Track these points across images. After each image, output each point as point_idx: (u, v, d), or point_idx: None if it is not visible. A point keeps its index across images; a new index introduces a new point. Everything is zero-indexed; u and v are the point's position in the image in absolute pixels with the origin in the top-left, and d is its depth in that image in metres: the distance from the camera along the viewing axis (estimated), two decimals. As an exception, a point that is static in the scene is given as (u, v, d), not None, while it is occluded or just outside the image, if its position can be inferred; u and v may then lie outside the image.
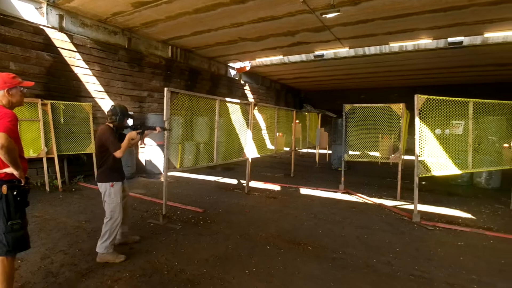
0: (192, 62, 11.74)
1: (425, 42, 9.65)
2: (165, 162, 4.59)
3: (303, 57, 12.32)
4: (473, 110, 5.47)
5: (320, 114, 12.62)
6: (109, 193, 3.41)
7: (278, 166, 11.47)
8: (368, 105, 6.95)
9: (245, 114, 6.80)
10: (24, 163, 2.48)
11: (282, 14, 7.58)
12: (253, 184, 7.79)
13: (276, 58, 12.82)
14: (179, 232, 4.37)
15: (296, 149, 10.05)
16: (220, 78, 13.52)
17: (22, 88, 2.56)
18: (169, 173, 4.84)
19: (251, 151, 6.98)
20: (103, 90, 8.49)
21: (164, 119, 4.50)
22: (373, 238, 4.40)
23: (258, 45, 10.49)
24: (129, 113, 3.62)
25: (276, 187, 7.60)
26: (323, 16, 7.02)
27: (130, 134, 3.41)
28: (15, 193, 2.38)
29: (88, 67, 8.05)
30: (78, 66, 7.84)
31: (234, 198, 6.46)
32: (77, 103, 7.45)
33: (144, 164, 9.37)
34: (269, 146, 9.23)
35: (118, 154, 3.35)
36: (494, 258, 3.80)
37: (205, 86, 12.57)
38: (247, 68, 13.84)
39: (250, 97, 15.84)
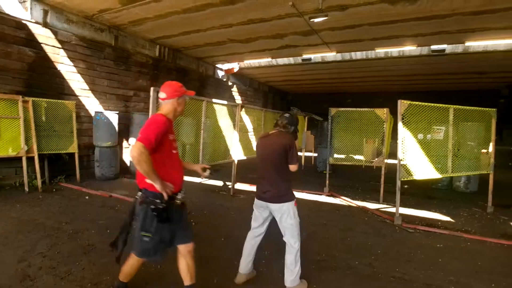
0: (180, 62, 11.64)
1: (409, 49, 9.89)
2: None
3: (291, 60, 12.41)
4: (453, 116, 5.64)
5: (306, 117, 12.73)
6: (294, 213, 2.98)
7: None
8: (353, 109, 7.07)
9: (232, 115, 6.80)
10: (175, 175, 2.43)
11: (272, 16, 7.61)
12: (239, 186, 7.79)
13: (264, 61, 12.86)
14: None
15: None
16: (208, 79, 13.47)
17: (186, 97, 2.57)
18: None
19: (237, 153, 6.98)
20: (88, 88, 8.32)
21: (150, 119, 4.44)
22: (356, 240, 4.47)
23: (246, 47, 10.50)
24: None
25: (262, 189, 7.62)
26: (312, 20, 7.10)
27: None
28: (151, 207, 2.30)
29: (72, 64, 7.88)
30: (62, 63, 7.66)
31: (219, 200, 6.44)
32: (60, 101, 7.27)
33: (128, 164, 9.23)
34: (256, 148, 9.24)
35: (295, 168, 2.99)
36: (470, 260, 3.93)
37: (193, 87, 12.48)
38: (235, 70, 13.83)
39: (238, 99, 15.84)
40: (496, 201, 6.42)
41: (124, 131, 8.96)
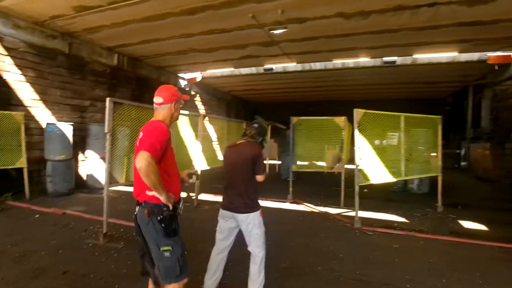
0: (141, 71, 11.33)
1: (364, 60, 10.48)
2: (107, 176, 4.33)
3: (253, 70, 12.59)
4: (404, 123, 6.04)
5: (270, 126, 12.93)
6: (260, 222, 2.98)
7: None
8: (314, 118, 7.31)
9: (195, 125, 6.72)
10: (176, 185, 2.32)
11: (233, 27, 7.71)
12: (203, 197, 7.67)
13: (227, 70, 12.92)
14: (121, 252, 4.13)
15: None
16: (170, 88, 13.21)
17: (182, 101, 2.42)
18: (114, 188, 4.58)
19: (200, 163, 6.89)
20: (38, 98, 7.80)
21: (106, 131, 4.26)
22: (319, 246, 4.58)
23: (209, 57, 10.50)
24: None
25: (227, 199, 7.56)
26: (271, 32, 7.29)
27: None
28: (158, 218, 2.16)
29: (20, 73, 7.35)
30: (9, 71, 7.12)
31: (183, 211, 6.27)
32: (7, 112, 6.74)
33: (85, 178, 8.72)
34: (220, 157, 9.19)
35: (262, 178, 2.98)
36: (424, 258, 4.18)
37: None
38: (198, 79, 13.72)
39: (201, 108, 15.70)
40: (445, 201, 6.92)
41: (80, 143, 8.48)
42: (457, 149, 14.26)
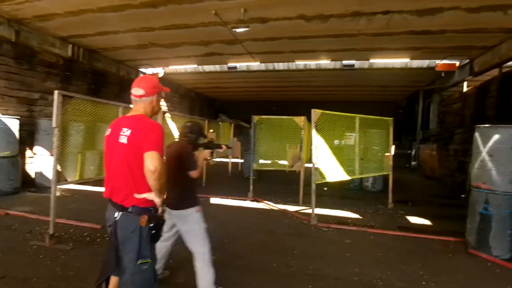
0: (98, 64, 10.76)
1: (324, 62, 10.84)
2: (54, 173, 4.07)
3: (217, 67, 12.52)
4: (359, 124, 6.35)
5: (233, 124, 12.94)
6: (197, 219, 2.96)
7: (191, 175, 11.26)
8: (274, 117, 7.44)
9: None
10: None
11: (196, 23, 7.59)
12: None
13: (190, 67, 12.71)
14: (69, 253, 3.91)
15: (210, 158, 10.04)
16: (130, 83, 12.55)
17: (163, 94, 2.22)
18: (66, 186, 4.32)
19: (160, 161, 6.72)
20: (-22, 89, 7.14)
21: (54, 125, 4.00)
22: (276, 242, 4.68)
23: (171, 52, 10.25)
24: (204, 133, 3.29)
25: (187, 197, 7.46)
26: (234, 30, 7.29)
27: (205, 154, 3.13)
28: (151, 225, 1.96)
29: (-43, 61, 6.68)
30: None
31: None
32: None
33: (33, 176, 8.12)
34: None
35: (195, 174, 2.96)
36: (372, 252, 4.43)
37: (113, 91, 11.65)
38: (160, 75, 13.34)
39: (163, 105, 15.29)
40: (396, 198, 7.37)
41: (28, 139, 7.88)
42: (409, 149, 15.24)
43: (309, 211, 6.44)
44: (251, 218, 5.95)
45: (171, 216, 3.03)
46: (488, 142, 4.40)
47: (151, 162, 1.85)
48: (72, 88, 9.69)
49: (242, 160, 12.17)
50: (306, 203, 7.18)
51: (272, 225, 5.55)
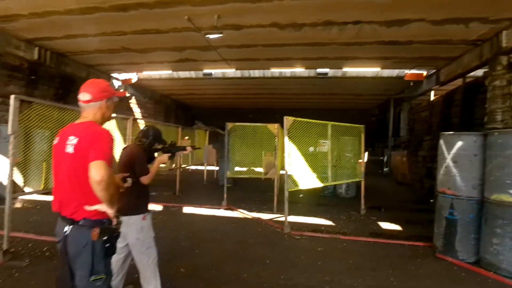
0: (66, 68, 10.34)
1: (299, 70, 10.99)
2: (9, 183, 3.78)
3: (192, 74, 12.39)
4: (332, 131, 6.41)
5: (208, 131, 12.79)
6: (142, 227, 2.79)
7: (165, 184, 10.92)
8: (248, 124, 7.40)
9: (123, 129, 6.32)
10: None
11: (168, 28, 7.48)
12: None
13: (165, 73, 12.50)
14: (24, 270, 3.62)
15: (185, 166, 9.86)
16: (101, 88, 12.30)
17: (116, 99, 2.09)
18: (28, 197, 4.03)
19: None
20: None
21: (9, 132, 3.73)
22: (248, 252, 4.58)
23: (144, 57, 10.04)
24: (162, 138, 3.13)
25: (158, 207, 7.22)
26: (207, 36, 7.23)
27: (162, 158, 3.02)
28: (104, 238, 1.82)
29: None
30: None
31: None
32: None
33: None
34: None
35: (146, 180, 2.79)
36: (344, 259, 4.42)
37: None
38: (133, 81, 13.03)
39: (137, 111, 14.92)
40: (369, 204, 7.49)
41: (-15, 147, 7.38)
42: (381, 156, 15.66)
43: (283, 219, 6.40)
44: (223, 227, 5.82)
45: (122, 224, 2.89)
46: (452, 149, 4.55)
47: (97, 172, 1.72)
48: (37, 93, 9.24)
49: (218, 168, 12.01)
50: (281, 210, 7.11)
51: (244, 234, 5.44)
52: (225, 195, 7.41)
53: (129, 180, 2.47)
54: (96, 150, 1.78)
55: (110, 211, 1.86)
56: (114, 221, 1.95)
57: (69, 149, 1.86)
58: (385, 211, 7.65)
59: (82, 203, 1.84)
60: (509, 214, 3.94)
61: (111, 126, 6.09)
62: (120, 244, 2.89)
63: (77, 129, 1.93)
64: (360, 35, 7.34)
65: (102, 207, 1.84)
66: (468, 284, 3.79)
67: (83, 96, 1.99)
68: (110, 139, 1.88)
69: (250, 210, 7.16)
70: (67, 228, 1.88)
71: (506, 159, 4.00)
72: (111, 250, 1.91)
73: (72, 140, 1.86)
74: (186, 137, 10.69)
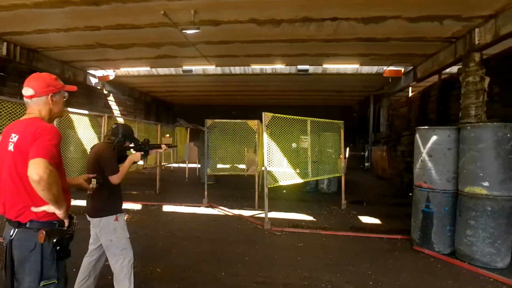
0: (38, 64, 9.90)
1: (280, 67, 10.96)
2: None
3: (172, 70, 12.15)
4: (311, 127, 6.42)
5: (189, 129, 12.61)
6: (115, 228, 2.69)
7: (146, 182, 10.72)
8: (227, 120, 7.32)
9: (98, 127, 6.12)
10: (67, 196, 1.85)
11: (144, 24, 7.27)
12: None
13: (143, 69, 12.20)
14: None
15: (166, 164, 9.68)
16: (77, 86, 11.77)
17: (65, 94, 1.97)
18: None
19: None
20: None
21: (-31, 132, 3.51)
22: (227, 250, 4.51)
23: (121, 54, 9.75)
24: (133, 136, 3.00)
25: (137, 206, 7.05)
26: (184, 31, 7.08)
27: (134, 157, 2.86)
28: (54, 240, 1.71)
29: None
30: None
31: (83, 223, 5.60)
32: None
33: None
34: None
35: (115, 179, 2.66)
36: (323, 255, 4.43)
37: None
38: (111, 77, 12.65)
39: (116, 109, 14.53)
40: (349, 198, 7.58)
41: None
42: (362, 151, 15.90)
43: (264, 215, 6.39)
44: (203, 225, 5.73)
45: (94, 226, 2.78)
46: (427, 143, 4.63)
47: (35, 170, 1.60)
48: (6, 90, 8.83)
49: (199, 165, 11.87)
50: (262, 207, 7.07)
51: (224, 232, 5.38)
52: (205, 193, 7.31)
53: (94, 181, 2.36)
54: (36, 148, 1.66)
55: (58, 212, 1.74)
56: (66, 222, 1.83)
57: (10, 147, 1.74)
58: (366, 205, 7.75)
59: (28, 204, 1.73)
60: (482, 206, 4.05)
61: (82, 123, 5.89)
62: (92, 245, 2.85)
63: (20, 126, 1.80)
64: (338, 32, 7.36)
65: (50, 208, 1.73)
66: (444, 275, 3.86)
67: (26, 91, 1.86)
68: (53, 135, 1.74)
69: (231, 207, 7.09)
70: (12, 232, 1.77)
71: (478, 152, 4.10)
72: (63, 253, 1.80)
73: (13, 138, 1.75)
74: (167, 135, 10.52)
